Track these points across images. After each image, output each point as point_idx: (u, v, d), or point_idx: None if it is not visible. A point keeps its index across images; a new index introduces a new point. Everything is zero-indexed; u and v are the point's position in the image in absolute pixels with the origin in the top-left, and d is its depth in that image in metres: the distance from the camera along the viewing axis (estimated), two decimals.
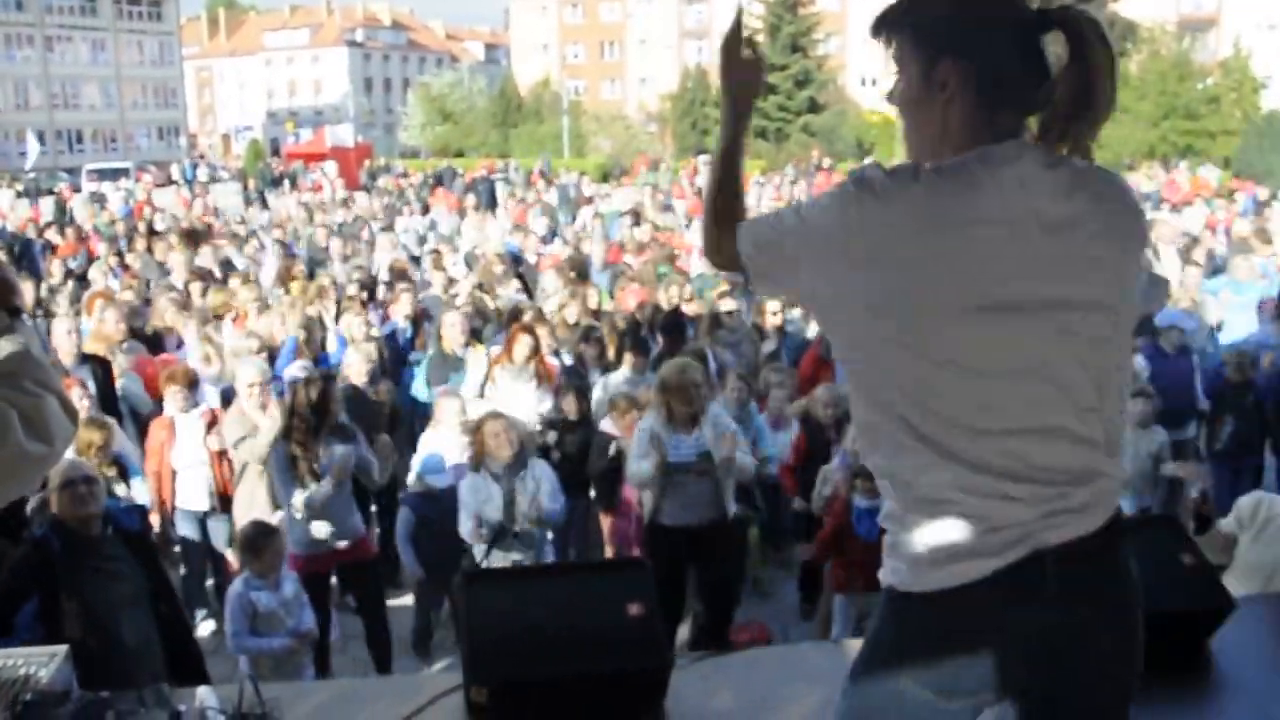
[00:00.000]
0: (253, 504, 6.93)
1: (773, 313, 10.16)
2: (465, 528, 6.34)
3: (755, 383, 8.63)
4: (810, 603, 7.72)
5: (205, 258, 13.78)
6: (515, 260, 14.06)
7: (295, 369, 8.30)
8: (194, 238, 16.11)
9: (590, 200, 24.46)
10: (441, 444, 7.49)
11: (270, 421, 6.72)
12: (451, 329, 9.20)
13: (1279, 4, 58.39)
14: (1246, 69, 47.75)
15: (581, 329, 9.90)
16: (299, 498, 6.29)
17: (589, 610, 3.62)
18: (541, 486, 6.44)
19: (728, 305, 10.35)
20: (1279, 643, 4.28)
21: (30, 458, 2.05)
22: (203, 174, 41.05)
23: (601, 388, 8.60)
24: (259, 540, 5.78)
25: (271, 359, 8.64)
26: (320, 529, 6.34)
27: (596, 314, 10.67)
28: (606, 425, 7.92)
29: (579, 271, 12.48)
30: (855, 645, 4.26)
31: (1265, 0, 58.16)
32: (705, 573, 6.68)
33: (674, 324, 9.82)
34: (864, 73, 66.81)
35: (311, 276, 12.53)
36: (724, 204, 2.36)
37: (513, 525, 6.25)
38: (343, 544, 6.45)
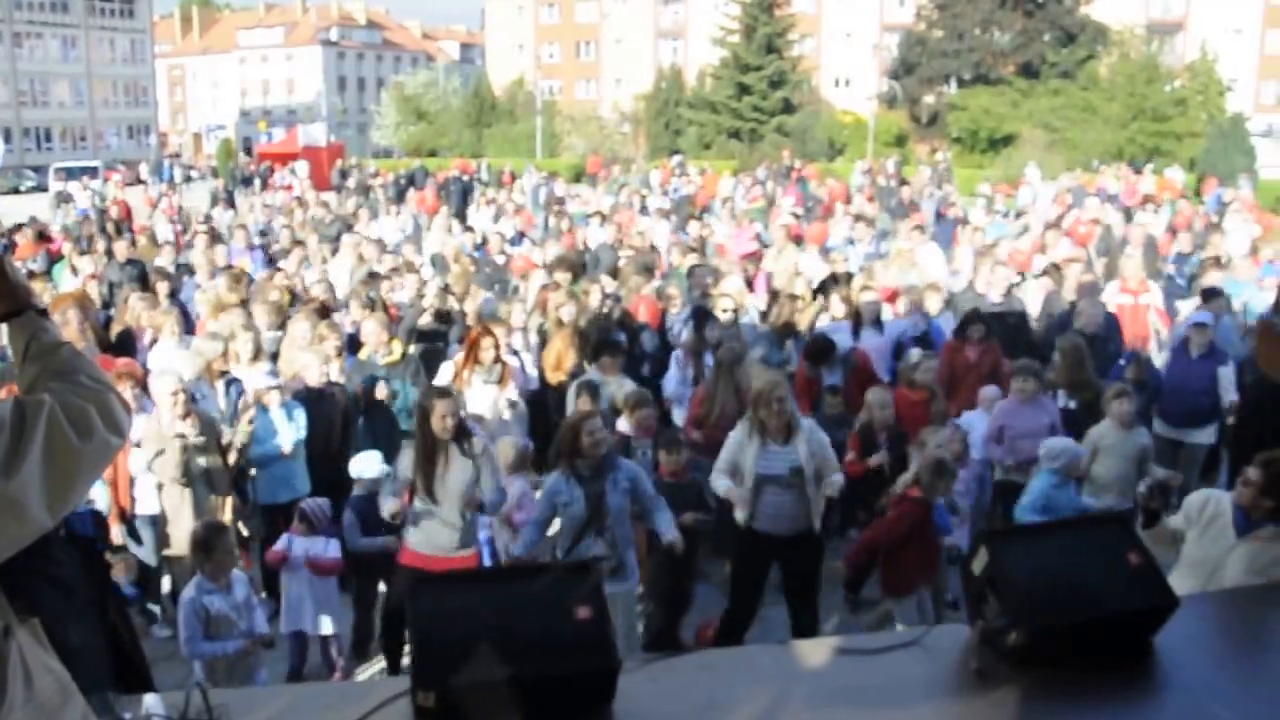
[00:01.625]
0: (179, 517, 6.90)
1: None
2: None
3: None
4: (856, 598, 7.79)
5: (166, 259, 13.70)
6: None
7: (261, 376, 8.26)
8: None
9: (561, 201, 24.41)
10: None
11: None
12: (370, 333, 9.11)
13: (1244, 10, 59.04)
14: (1212, 72, 48.26)
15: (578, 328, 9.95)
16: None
17: (537, 613, 3.61)
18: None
19: (724, 304, 10.39)
20: (1221, 639, 4.33)
21: (111, 449, 2.20)
22: (179, 174, 40.77)
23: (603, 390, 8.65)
24: (211, 540, 5.76)
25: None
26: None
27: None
28: (622, 426, 8.02)
29: (575, 270, 12.45)
30: (804, 647, 4.29)
31: (1231, 5, 58.82)
32: (791, 578, 6.88)
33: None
34: (838, 74, 67.16)
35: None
36: None
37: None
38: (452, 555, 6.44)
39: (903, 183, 27.65)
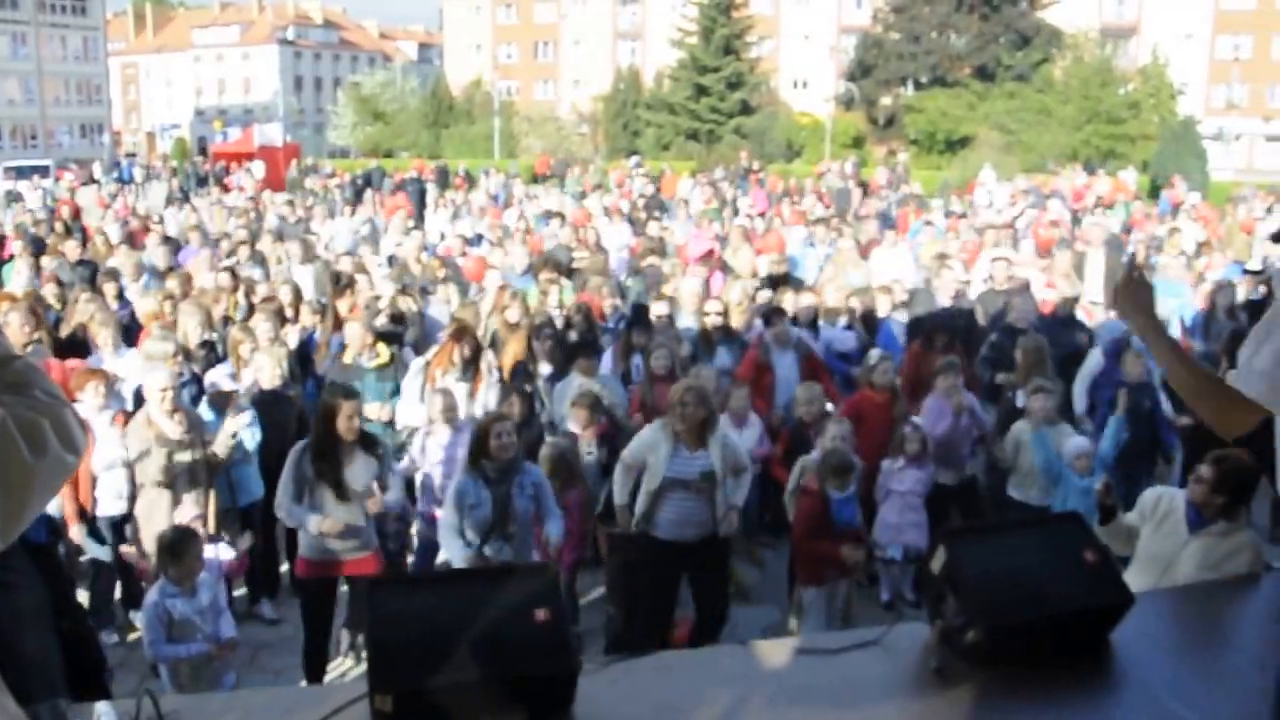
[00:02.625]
0: (151, 518, 6.81)
1: (706, 314, 10.16)
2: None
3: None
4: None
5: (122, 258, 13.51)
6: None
7: (217, 374, 8.17)
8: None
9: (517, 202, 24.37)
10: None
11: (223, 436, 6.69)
12: (354, 336, 9.00)
13: (1195, 15, 59.88)
14: (1164, 76, 48.94)
15: (528, 329, 9.88)
16: (314, 522, 6.21)
17: (496, 615, 3.58)
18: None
19: (659, 308, 10.37)
20: (1177, 636, 4.36)
21: (66, 467, 2.10)
22: (139, 174, 40.25)
23: (560, 391, 8.63)
24: (180, 545, 5.70)
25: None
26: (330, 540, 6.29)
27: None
28: (573, 426, 7.97)
29: (561, 270, 12.40)
30: (764, 648, 4.28)
31: (1183, 11, 59.64)
32: (697, 583, 6.74)
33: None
34: (795, 76, 67.39)
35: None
36: (1199, 381, 2.89)
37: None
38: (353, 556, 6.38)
39: (862, 185, 27.80)
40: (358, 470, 6.33)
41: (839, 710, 3.72)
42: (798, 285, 11.78)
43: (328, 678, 6.69)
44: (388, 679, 3.35)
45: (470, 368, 8.50)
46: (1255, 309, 10.64)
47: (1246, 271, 12.91)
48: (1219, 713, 3.70)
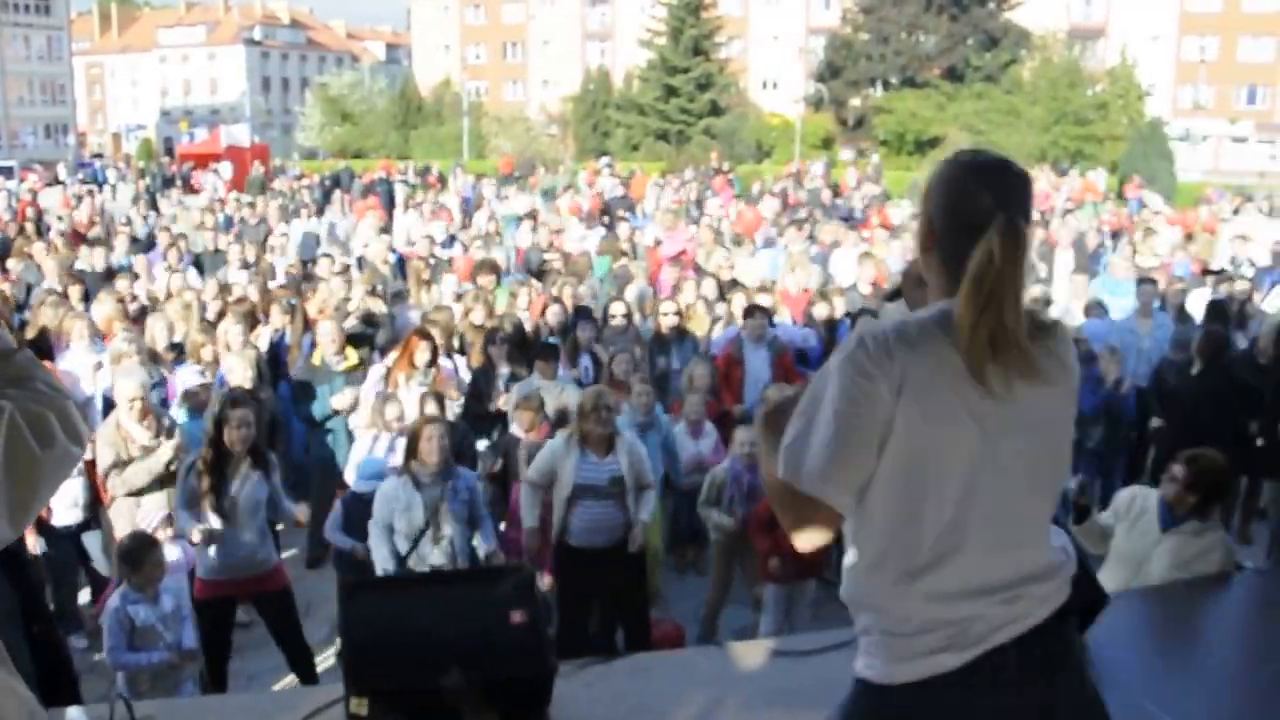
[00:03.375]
0: (130, 521, 6.74)
1: (664, 313, 10.15)
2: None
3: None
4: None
5: (85, 261, 13.41)
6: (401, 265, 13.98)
7: (189, 374, 8.11)
8: (78, 240, 15.70)
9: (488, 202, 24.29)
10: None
11: (166, 448, 6.59)
12: (326, 338, 8.91)
13: (1162, 17, 60.37)
14: (1132, 77, 49.30)
15: (486, 331, 9.82)
16: (196, 531, 6.08)
17: (472, 618, 3.58)
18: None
19: (618, 309, 10.35)
20: (1150, 635, 4.39)
21: (73, 458, 2.17)
22: (111, 175, 39.83)
23: (514, 393, 8.56)
24: (138, 553, 5.63)
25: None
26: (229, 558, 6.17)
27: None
28: (515, 429, 7.95)
29: (497, 273, 12.36)
30: (738, 649, 4.29)
31: (1150, 12, 60.13)
32: (613, 590, 6.69)
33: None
34: (765, 76, 67.55)
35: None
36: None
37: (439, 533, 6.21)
38: (252, 573, 6.27)
39: (833, 187, 27.87)
40: (249, 485, 6.23)
41: (815, 711, 3.69)
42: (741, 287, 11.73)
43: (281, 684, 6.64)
44: (364, 682, 3.34)
45: (430, 371, 8.43)
46: (1215, 310, 10.69)
47: (1207, 272, 13.00)
48: (1193, 712, 3.71)
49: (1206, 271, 13.07)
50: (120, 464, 6.75)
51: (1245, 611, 4.81)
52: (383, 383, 8.35)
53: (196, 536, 6.04)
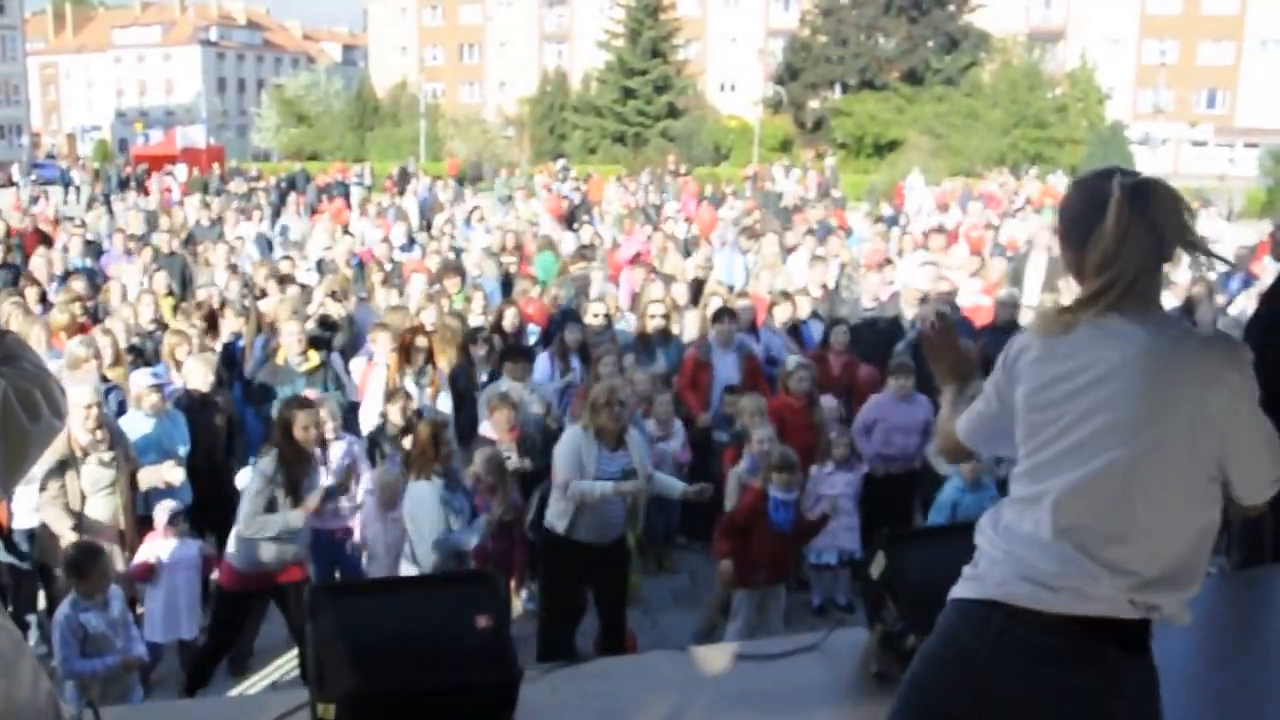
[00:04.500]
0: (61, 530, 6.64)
1: (652, 315, 10.18)
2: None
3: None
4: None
5: (39, 264, 13.23)
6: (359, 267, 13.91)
7: (143, 377, 8.00)
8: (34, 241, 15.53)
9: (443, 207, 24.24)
10: None
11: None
12: (290, 339, 8.83)
13: (1122, 20, 60.89)
14: (1092, 80, 49.67)
15: (468, 331, 9.82)
16: (273, 520, 6.10)
17: (437, 623, 3.59)
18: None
19: (595, 309, 10.35)
20: (1156, 639, 4.40)
21: (55, 431, 2.36)
22: (77, 177, 39.41)
23: (486, 395, 8.53)
24: (85, 563, 5.62)
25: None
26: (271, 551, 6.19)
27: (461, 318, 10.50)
28: (485, 429, 7.87)
29: (457, 276, 12.31)
30: (704, 653, 4.28)
31: (1110, 16, 60.60)
32: (603, 586, 6.66)
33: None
34: (723, 79, 67.62)
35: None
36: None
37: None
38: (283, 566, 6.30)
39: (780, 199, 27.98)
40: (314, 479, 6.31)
41: (779, 715, 3.73)
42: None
43: (238, 689, 6.61)
44: (331, 687, 3.32)
45: (425, 370, 8.39)
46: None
47: None
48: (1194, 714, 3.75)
49: None
50: (59, 468, 6.61)
51: (1211, 615, 4.85)
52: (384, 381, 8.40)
53: (295, 520, 6.12)
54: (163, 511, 6.69)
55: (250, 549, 6.17)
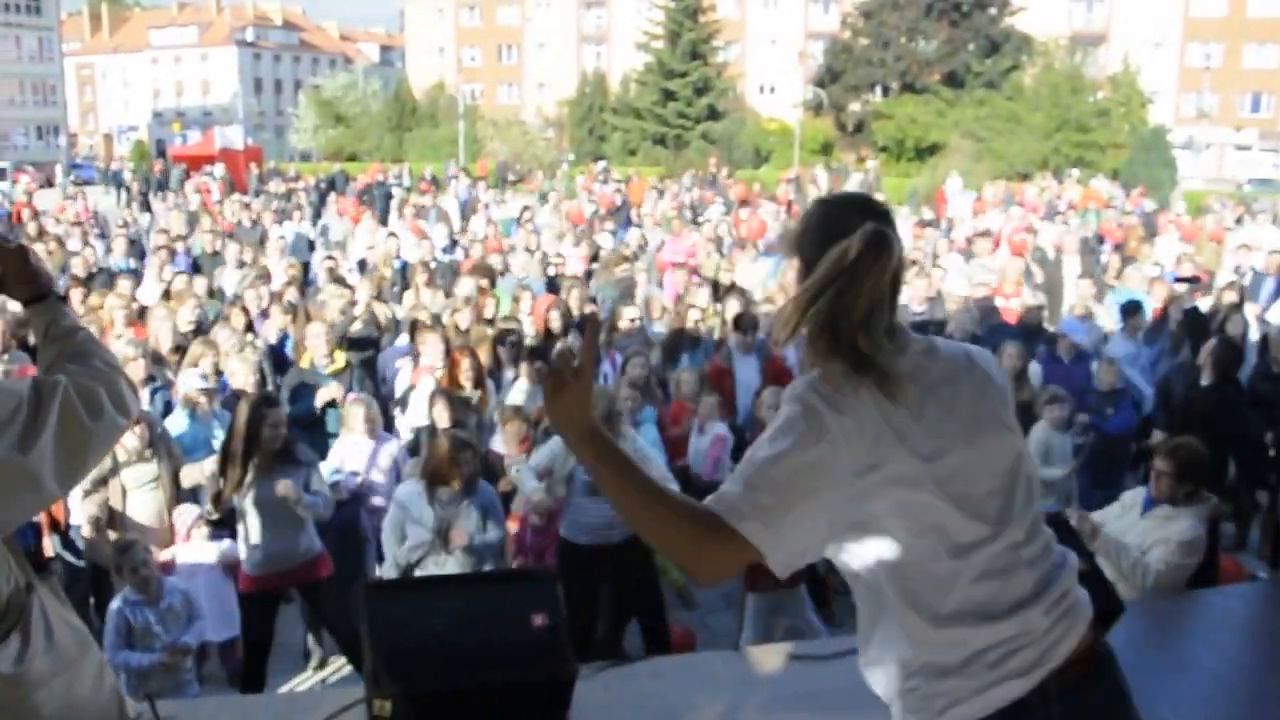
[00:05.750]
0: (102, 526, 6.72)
1: (686, 319, 10.23)
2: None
3: (652, 388, 8.71)
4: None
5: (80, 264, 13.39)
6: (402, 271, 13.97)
7: (192, 378, 8.09)
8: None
9: (485, 206, 24.33)
10: (348, 451, 7.43)
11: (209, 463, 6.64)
12: (316, 341, 8.85)
13: (1165, 23, 60.30)
14: (1134, 84, 49.13)
15: (496, 333, 9.82)
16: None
17: (493, 621, 3.61)
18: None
19: (630, 313, 10.37)
20: (1165, 643, 4.40)
21: (119, 429, 2.43)
22: (127, 176, 39.74)
23: (500, 401, 8.50)
24: (119, 559, 5.73)
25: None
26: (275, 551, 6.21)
27: (490, 322, 10.54)
28: (496, 442, 7.80)
29: (490, 278, 12.36)
30: (756, 653, 4.29)
31: (1153, 19, 60.01)
32: (623, 588, 6.64)
33: None
34: (763, 81, 67.47)
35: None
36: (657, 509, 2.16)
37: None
38: (294, 565, 6.30)
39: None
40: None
41: (831, 715, 3.73)
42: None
43: (286, 686, 6.66)
44: (388, 684, 3.35)
45: (478, 383, 8.36)
46: (1191, 318, 10.67)
47: (1180, 280, 13.00)
48: (1203, 716, 3.73)
49: (1180, 280, 13.06)
50: (102, 475, 6.68)
51: (1259, 620, 4.83)
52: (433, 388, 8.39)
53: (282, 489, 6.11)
54: (183, 517, 6.74)
55: (252, 551, 6.20)
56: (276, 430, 6.26)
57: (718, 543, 2.11)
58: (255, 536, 6.15)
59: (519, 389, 8.66)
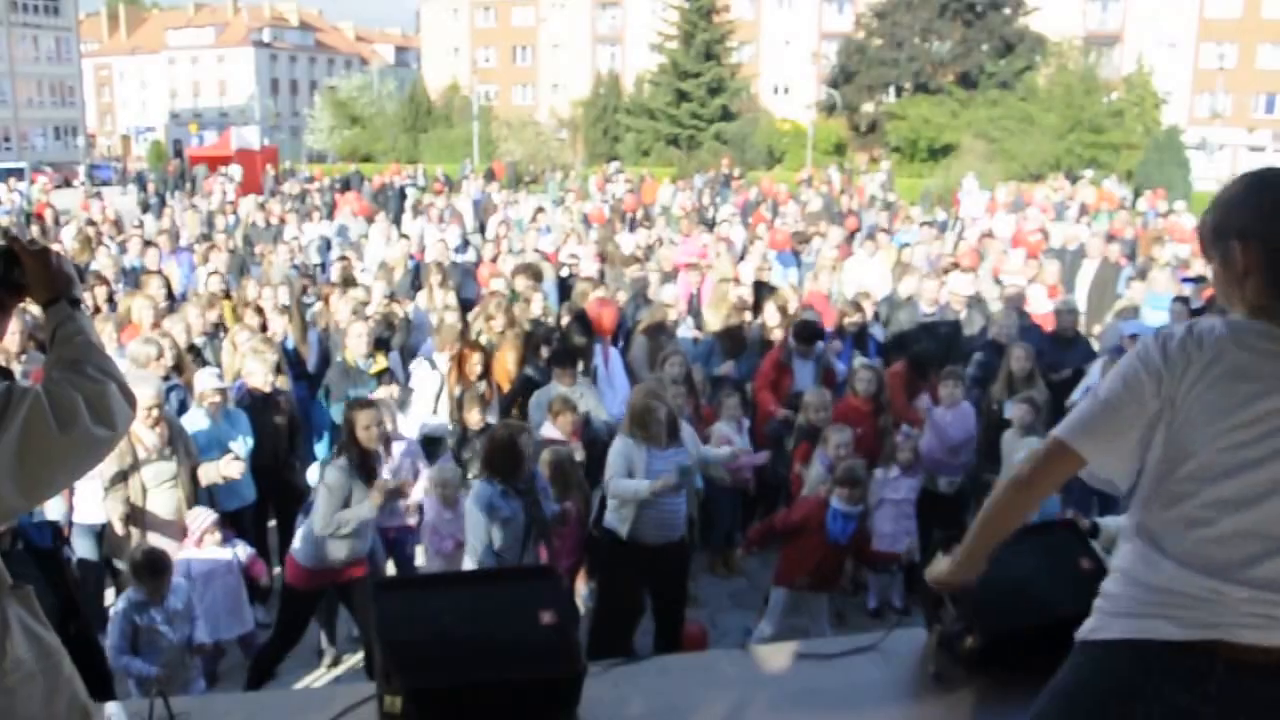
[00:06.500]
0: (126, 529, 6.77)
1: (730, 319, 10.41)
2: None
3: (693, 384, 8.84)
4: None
5: (105, 263, 13.47)
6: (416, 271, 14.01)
7: (208, 378, 8.14)
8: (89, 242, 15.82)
9: (498, 208, 24.38)
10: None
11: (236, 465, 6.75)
12: (357, 340, 8.91)
13: (1179, 24, 60.00)
14: (1148, 85, 48.94)
15: (543, 332, 9.91)
16: (347, 515, 6.21)
17: (502, 618, 3.63)
18: None
19: (664, 314, 10.44)
20: None
21: (97, 440, 2.32)
22: (152, 177, 39.90)
23: (538, 400, 8.54)
24: (149, 570, 5.73)
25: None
26: (340, 548, 6.30)
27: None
28: (547, 430, 7.87)
29: (537, 278, 12.39)
30: (764, 652, 4.33)
31: (1167, 19, 59.70)
32: (662, 588, 6.68)
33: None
34: (777, 81, 67.36)
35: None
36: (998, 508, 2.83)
37: None
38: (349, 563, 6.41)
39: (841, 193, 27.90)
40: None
41: (838, 713, 3.77)
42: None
43: (300, 684, 6.71)
44: (398, 680, 3.39)
45: (485, 379, 8.44)
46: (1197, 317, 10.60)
47: (1187, 280, 12.96)
48: None
49: (1187, 279, 13.03)
50: (123, 472, 6.72)
51: None
52: (438, 387, 8.53)
53: (368, 510, 6.24)
54: (195, 522, 6.77)
55: (319, 547, 6.26)
56: (369, 430, 6.39)
57: None
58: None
59: (549, 387, 8.68)
